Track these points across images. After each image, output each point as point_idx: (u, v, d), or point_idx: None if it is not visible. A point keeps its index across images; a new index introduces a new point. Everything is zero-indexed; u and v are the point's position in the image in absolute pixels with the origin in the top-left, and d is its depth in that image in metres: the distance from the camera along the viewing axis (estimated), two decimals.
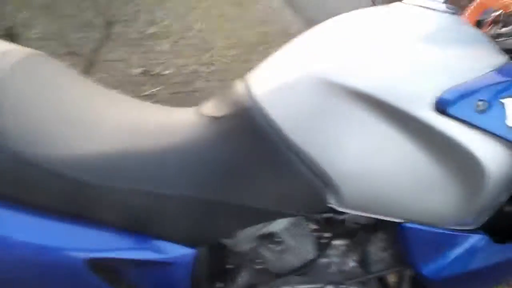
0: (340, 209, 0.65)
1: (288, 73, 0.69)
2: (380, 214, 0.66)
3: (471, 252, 0.68)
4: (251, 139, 0.62)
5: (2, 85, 0.58)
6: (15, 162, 0.53)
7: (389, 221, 0.71)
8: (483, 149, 0.60)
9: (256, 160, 0.62)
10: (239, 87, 0.70)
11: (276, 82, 0.68)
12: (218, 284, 0.76)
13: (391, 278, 0.86)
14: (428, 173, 0.62)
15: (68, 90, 0.71)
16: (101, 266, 0.60)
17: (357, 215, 0.78)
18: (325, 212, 0.78)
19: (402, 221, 0.66)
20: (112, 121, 0.67)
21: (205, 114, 0.69)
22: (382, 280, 0.84)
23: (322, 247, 0.81)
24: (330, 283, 0.76)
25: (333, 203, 0.65)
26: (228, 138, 0.63)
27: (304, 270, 0.80)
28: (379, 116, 0.61)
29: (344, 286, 0.76)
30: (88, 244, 0.59)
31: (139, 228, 0.62)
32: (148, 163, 0.60)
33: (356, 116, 0.62)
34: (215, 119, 0.66)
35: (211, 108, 0.70)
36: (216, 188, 0.62)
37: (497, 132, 0.60)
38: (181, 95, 2.30)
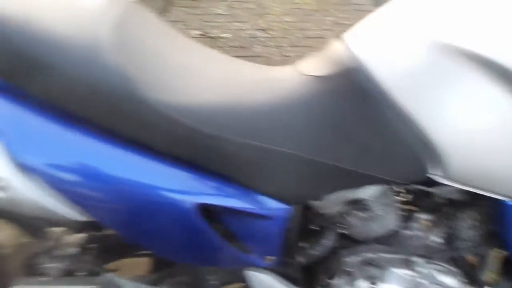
0: (441, 180, 0.64)
1: (394, 33, 0.66)
2: (484, 190, 0.64)
3: None
4: (354, 99, 0.61)
5: (122, 32, 0.60)
6: (140, 107, 0.55)
7: (487, 198, 0.69)
8: None
9: (357, 121, 0.62)
10: (338, 47, 0.68)
11: (381, 42, 0.65)
12: (302, 244, 0.78)
13: (474, 258, 0.85)
14: None
15: (173, 41, 0.72)
16: (208, 212, 0.63)
17: (453, 189, 0.77)
18: (420, 183, 0.77)
19: (506, 199, 0.64)
20: (220, 74, 0.68)
21: (305, 73, 0.69)
22: (465, 259, 0.84)
23: (407, 219, 0.80)
24: (414, 255, 0.76)
25: (433, 173, 0.63)
26: (330, 97, 0.62)
27: (386, 239, 0.80)
28: (495, 82, 0.58)
29: (428, 260, 0.76)
30: (199, 190, 0.61)
31: (244, 180, 0.63)
32: (258, 117, 0.61)
33: (468, 81, 0.59)
34: (317, 78, 0.65)
35: (310, 67, 0.69)
36: (317, 147, 0.62)
37: None
38: (241, 60, 2.30)
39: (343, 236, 0.81)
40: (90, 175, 0.57)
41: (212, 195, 0.62)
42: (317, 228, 0.79)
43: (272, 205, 0.66)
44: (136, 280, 0.82)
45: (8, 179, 0.55)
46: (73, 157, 0.57)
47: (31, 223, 0.87)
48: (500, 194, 0.64)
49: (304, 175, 0.64)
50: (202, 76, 0.65)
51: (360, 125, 0.62)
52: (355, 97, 0.61)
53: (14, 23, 0.53)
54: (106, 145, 0.58)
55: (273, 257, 0.72)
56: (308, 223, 0.78)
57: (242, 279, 0.78)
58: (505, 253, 0.77)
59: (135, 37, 0.62)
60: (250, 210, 0.64)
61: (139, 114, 0.56)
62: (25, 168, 0.56)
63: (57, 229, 0.83)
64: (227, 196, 0.63)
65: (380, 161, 0.64)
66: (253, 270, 0.74)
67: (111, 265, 0.96)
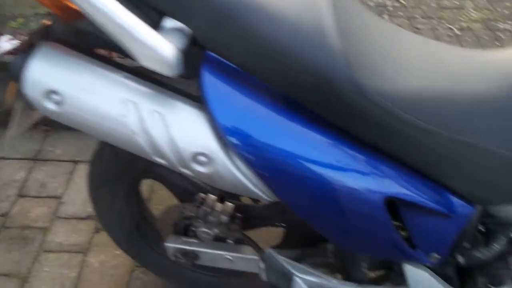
0: None
1: None
2: None
3: None
4: None
5: (340, 14, 0.56)
6: (357, 94, 0.52)
7: None
8: None
9: None
10: None
11: None
12: (466, 244, 0.73)
13: None
14: None
15: (377, 24, 0.66)
16: (390, 204, 0.61)
17: None
18: None
19: None
20: (433, 62, 0.62)
21: None
22: None
23: None
24: None
25: None
26: None
27: None
28: None
29: None
30: (389, 182, 0.58)
31: (435, 174, 0.60)
32: (475, 111, 0.55)
33: None
34: None
35: None
36: None
37: None
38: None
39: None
40: (291, 161, 0.57)
41: (400, 187, 0.59)
42: (485, 231, 0.73)
43: (456, 203, 0.61)
44: (283, 255, 0.84)
45: (213, 155, 0.57)
46: (274, 139, 0.57)
47: (185, 188, 0.94)
48: None
49: (504, 177, 0.58)
50: (416, 65, 0.60)
51: None
52: None
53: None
54: (312, 132, 0.57)
55: (438, 256, 0.68)
56: (479, 224, 0.72)
57: (396, 270, 0.76)
58: None
59: (350, 19, 0.58)
60: (432, 207, 0.60)
61: (355, 102, 0.53)
62: (229, 145, 0.57)
63: (211, 197, 0.88)
64: (414, 190, 0.59)
65: None
66: (413, 265, 0.72)
67: (249, 232, 1.01)
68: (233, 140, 0.56)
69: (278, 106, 0.57)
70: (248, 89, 0.56)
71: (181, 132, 0.57)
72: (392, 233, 0.62)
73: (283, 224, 0.95)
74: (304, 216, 0.62)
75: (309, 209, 0.61)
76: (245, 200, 0.97)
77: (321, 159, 0.58)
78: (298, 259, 0.87)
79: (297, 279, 0.74)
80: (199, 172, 0.59)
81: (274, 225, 0.98)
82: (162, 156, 0.58)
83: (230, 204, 0.88)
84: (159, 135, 0.57)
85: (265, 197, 0.61)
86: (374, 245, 0.66)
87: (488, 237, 0.72)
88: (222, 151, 0.57)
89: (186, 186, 0.92)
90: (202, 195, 0.89)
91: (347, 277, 0.79)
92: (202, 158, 0.58)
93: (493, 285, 0.72)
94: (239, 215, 0.90)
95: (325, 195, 0.58)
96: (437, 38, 2.04)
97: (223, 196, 0.93)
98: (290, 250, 0.91)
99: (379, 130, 0.55)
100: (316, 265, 0.88)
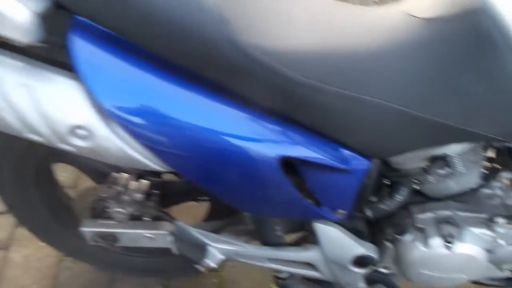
0: None
1: None
2: None
3: None
4: (472, 46, 0.53)
5: None
6: (233, 51, 0.50)
7: None
8: None
9: (472, 72, 0.54)
10: None
11: None
12: (372, 198, 0.75)
13: None
14: None
15: None
16: (285, 163, 0.61)
17: None
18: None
19: None
20: (319, 17, 0.61)
21: (413, 14, 0.60)
22: None
23: (488, 178, 0.76)
24: (494, 215, 0.73)
25: None
26: (443, 44, 0.54)
27: (462, 197, 0.76)
28: None
29: (508, 220, 0.72)
30: (282, 142, 0.58)
31: (327, 131, 0.60)
32: (358, 65, 0.55)
33: None
34: (429, 21, 0.56)
35: (419, 7, 0.60)
36: (419, 100, 0.56)
37: None
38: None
39: (414, 192, 0.78)
40: (173, 123, 0.54)
41: (295, 147, 0.59)
42: (390, 184, 0.76)
43: (352, 158, 0.62)
44: (198, 227, 0.83)
45: (92, 127, 0.53)
46: (157, 103, 0.54)
47: (97, 169, 0.89)
48: None
49: (395, 129, 0.59)
50: (300, 21, 0.59)
51: (475, 76, 0.55)
52: (473, 44, 0.53)
53: None
54: (198, 96, 0.55)
55: (344, 211, 0.70)
56: (382, 177, 0.75)
57: (305, 228, 0.78)
58: None
59: None
60: (329, 163, 0.61)
61: (231, 59, 0.51)
62: (110, 115, 0.54)
63: (124, 176, 0.84)
64: (310, 148, 0.59)
65: (489, 117, 0.57)
66: (322, 223, 0.74)
67: (171, 209, 0.99)
68: (112, 109, 0.52)
69: (158, 71, 0.54)
70: (123, 54, 0.52)
71: (54, 104, 0.52)
72: (293, 193, 0.63)
73: (205, 198, 0.94)
74: (201, 184, 0.61)
75: (204, 176, 0.59)
76: (171, 177, 0.95)
77: (209, 125, 0.56)
78: (219, 230, 0.88)
79: (211, 249, 0.73)
80: (81, 147, 0.55)
81: (197, 200, 0.97)
82: (36, 132, 0.54)
83: (145, 181, 0.85)
84: (29, 110, 0.52)
85: (158, 168, 0.59)
86: (278, 207, 0.66)
87: (391, 189, 0.75)
88: (102, 122, 0.53)
89: (98, 167, 0.88)
90: (115, 174, 0.86)
91: (265, 243, 0.80)
92: (81, 132, 0.54)
93: (397, 234, 0.76)
94: (156, 192, 0.87)
95: (218, 161, 0.57)
96: None
97: (141, 174, 0.91)
98: (210, 222, 0.91)
99: (264, 88, 0.54)
100: (238, 234, 0.88)
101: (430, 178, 0.72)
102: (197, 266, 0.76)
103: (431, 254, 0.72)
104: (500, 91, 0.54)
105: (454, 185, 0.74)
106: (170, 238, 0.79)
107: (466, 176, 0.72)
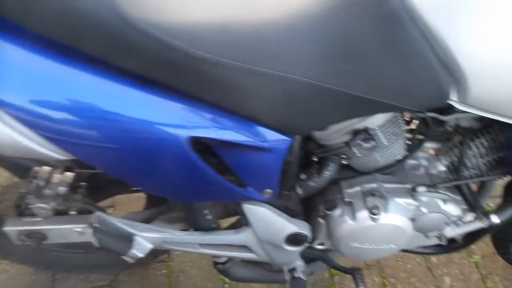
0: (458, 107, 0.59)
1: None
2: (505, 117, 0.59)
3: None
4: (375, 18, 0.53)
5: None
6: (122, 26, 0.47)
7: (500, 126, 0.65)
8: None
9: (377, 43, 0.54)
10: None
11: None
12: (302, 176, 0.75)
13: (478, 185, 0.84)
14: None
15: None
16: (202, 146, 0.58)
17: (466, 116, 0.72)
18: (439, 111, 0.71)
19: None
20: None
21: None
22: (469, 187, 0.82)
23: (412, 149, 0.77)
24: (417, 184, 0.74)
25: (455, 100, 0.57)
26: (347, 16, 0.53)
27: (389, 169, 0.78)
28: None
29: (431, 189, 0.74)
30: (191, 122, 0.55)
31: (241, 110, 0.57)
32: (260, 38, 0.52)
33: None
34: None
35: None
36: (328, 72, 0.55)
37: None
38: None
39: (344, 167, 0.78)
40: (73, 109, 0.51)
41: (205, 127, 0.56)
42: (317, 160, 0.76)
43: (271, 136, 0.60)
44: (129, 218, 0.80)
45: None
46: (51, 90, 0.50)
47: (18, 164, 0.84)
48: None
49: (309, 104, 0.58)
50: None
51: (380, 47, 0.54)
52: (377, 16, 0.53)
53: None
54: (91, 75, 0.51)
55: (270, 191, 0.69)
56: (308, 154, 0.75)
57: (239, 213, 0.77)
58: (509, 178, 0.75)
59: None
60: (246, 143, 0.59)
61: (126, 37, 0.48)
62: (3, 106, 0.49)
63: (45, 169, 0.79)
64: (222, 128, 0.57)
65: (399, 88, 0.57)
66: (250, 204, 0.73)
67: (105, 202, 0.95)
68: (3, 99, 0.48)
69: (47, 53, 0.49)
70: (4, 34, 0.48)
71: None
72: (211, 175, 0.61)
73: (139, 188, 0.91)
74: (110, 173, 0.58)
75: (111, 164, 0.56)
76: None
77: (111, 108, 0.52)
78: (151, 219, 0.85)
79: (138, 238, 0.71)
80: None
81: (131, 191, 0.94)
82: None
83: (69, 173, 0.81)
84: None
85: (58, 157, 0.55)
86: (199, 191, 0.64)
87: (320, 165, 0.75)
88: None
89: (18, 161, 0.83)
90: (36, 168, 0.81)
91: (196, 228, 0.79)
92: None
93: (328, 210, 0.76)
94: (83, 184, 0.83)
95: (123, 147, 0.54)
96: None
97: (69, 166, 0.86)
98: (142, 211, 0.88)
99: (164, 67, 0.50)
100: (171, 222, 0.86)
101: (356, 152, 0.72)
102: (125, 258, 0.74)
103: (359, 227, 0.73)
104: (406, 62, 0.54)
105: (379, 158, 0.75)
106: (90, 231, 0.75)
107: (390, 148, 0.73)
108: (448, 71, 0.54)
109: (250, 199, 0.70)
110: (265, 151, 0.62)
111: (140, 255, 0.71)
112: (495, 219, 0.75)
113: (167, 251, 1.19)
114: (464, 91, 0.55)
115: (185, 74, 0.52)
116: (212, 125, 0.57)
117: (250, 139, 0.60)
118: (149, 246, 0.72)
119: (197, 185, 0.63)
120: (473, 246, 1.29)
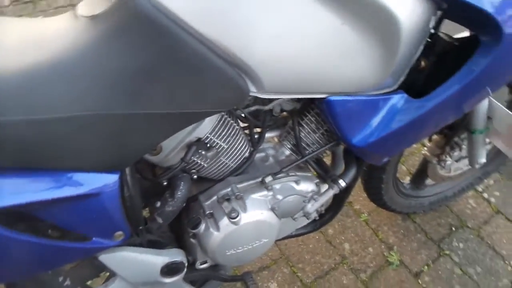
0: (262, 96, 0.61)
1: None
2: (303, 93, 0.63)
3: (393, 112, 0.70)
4: (146, 35, 0.50)
5: None
6: None
7: (315, 101, 0.70)
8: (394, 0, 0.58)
9: (157, 59, 0.52)
10: None
11: None
12: (157, 204, 0.71)
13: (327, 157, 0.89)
14: (345, 40, 0.59)
15: None
16: (17, 214, 0.51)
17: (282, 101, 0.76)
18: (252, 105, 0.74)
19: (326, 96, 0.65)
20: None
21: (81, 15, 0.56)
22: (319, 161, 0.87)
23: (256, 142, 0.79)
24: (267, 175, 0.76)
25: (254, 91, 0.60)
26: (113, 39, 0.50)
27: (242, 168, 0.79)
28: None
29: (282, 174, 0.77)
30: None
31: (50, 164, 0.52)
32: (36, 85, 0.48)
33: None
34: (93, 19, 0.53)
35: (88, 6, 0.56)
36: (120, 99, 0.52)
37: None
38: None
39: (201, 180, 0.77)
40: None
41: (12, 194, 0.50)
42: (168, 183, 0.73)
43: (94, 178, 0.55)
44: None
45: None
46: None
47: None
48: (318, 93, 0.64)
49: (117, 134, 0.54)
50: None
51: (162, 62, 0.53)
52: (146, 32, 0.50)
53: None
54: None
55: (121, 232, 0.64)
56: (156, 182, 0.72)
57: (100, 266, 0.71)
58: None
59: None
60: (67, 194, 0.54)
61: None
62: None
63: None
64: (35, 190, 0.51)
65: (199, 95, 0.57)
66: (106, 253, 0.67)
67: None
68: None
69: None
70: None
71: None
72: (30, 243, 0.53)
73: None
74: None
75: None
76: None
77: None
78: None
79: None
80: None
81: None
82: None
83: None
84: None
85: None
86: (30, 264, 0.56)
87: (170, 188, 0.73)
88: None
89: None
90: None
91: None
92: None
93: (193, 228, 0.74)
94: None
95: None
96: None
97: None
98: None
99: None
100: None
101: (202, 163, 0.72)
102: None
103: (225, 234, 0.72)
104: (192, 70, 0.54)
105: (228, 161, 0.75)
106: None
107: (233, 149, 0.74)
108: (238, 68, 0.56)
109: (102, 249, 0.64)
110: (96, 196, 0.57)
111: None
112: (342, 182, 0.81)
113: None
114: (258, 82, 0.58)
115: None
116: (21, 191, 0.50)
117: (72, 190, 0.54)
118: None
119: (29, 258, 0.55)
120: (359, 206, 1.41)
